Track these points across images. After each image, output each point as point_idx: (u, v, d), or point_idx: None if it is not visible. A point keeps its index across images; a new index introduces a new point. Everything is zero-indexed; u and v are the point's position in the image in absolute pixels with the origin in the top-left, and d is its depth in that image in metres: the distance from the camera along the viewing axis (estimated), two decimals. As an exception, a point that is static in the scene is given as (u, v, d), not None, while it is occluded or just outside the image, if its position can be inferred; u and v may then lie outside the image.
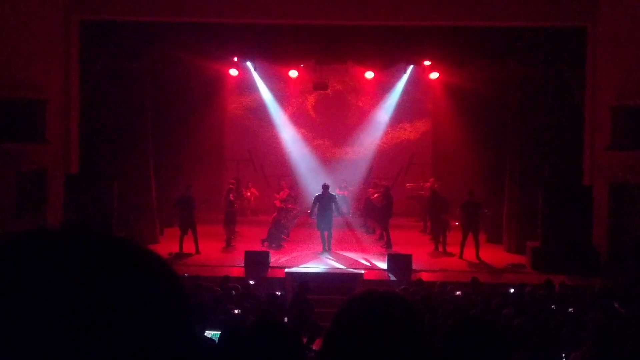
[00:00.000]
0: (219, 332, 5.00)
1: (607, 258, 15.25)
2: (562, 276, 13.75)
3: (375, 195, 18.89)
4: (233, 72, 20.27)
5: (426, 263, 15.79)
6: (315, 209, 16.84)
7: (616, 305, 9.94)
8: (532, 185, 16.43)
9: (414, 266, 15.03)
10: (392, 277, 14.51)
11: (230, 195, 17.54)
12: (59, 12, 15.83)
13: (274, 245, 17.01)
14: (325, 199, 16.64)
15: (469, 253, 16.29)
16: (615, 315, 9.07)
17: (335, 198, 17.04)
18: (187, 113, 20.64)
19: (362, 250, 17.13)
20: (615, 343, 5.44)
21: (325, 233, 16.64)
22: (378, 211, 18.20)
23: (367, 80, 20.56)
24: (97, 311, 0.82)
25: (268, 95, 22.66)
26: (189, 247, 16.34)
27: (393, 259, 15.16)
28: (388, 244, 17.21)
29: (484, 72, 18.30)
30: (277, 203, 19.70)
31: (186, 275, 12.55)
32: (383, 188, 18.19)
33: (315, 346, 10.13)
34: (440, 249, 17.13)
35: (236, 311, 10.33)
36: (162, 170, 18.59)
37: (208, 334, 7.66)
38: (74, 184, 15.97)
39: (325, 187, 16.87)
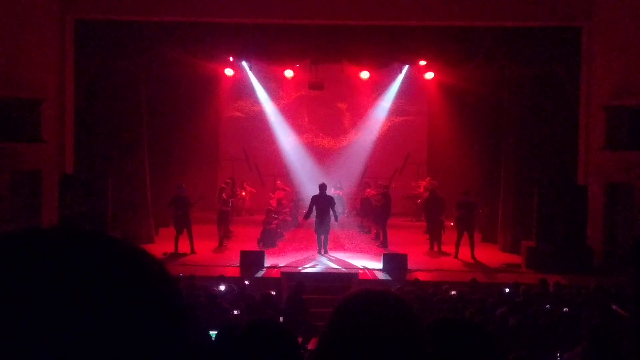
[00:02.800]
0: (214, 332, 4.99)
1: (602, 258, 15.29)
2: (556, 276, 13.78)
3: (373, 193, 18.88)
4: (228, 71, 20.25)
5: (422, 263, 15.80)
6: (312, 211, 16.56)
7: (614, 307, 9.95)
8: (527, 185, 16.45)
9: (409, 266, 15.04)
10: (388, 277, 14.51)
11: (223, 194, 17.52)
12: (54, 11, 15.80)
13: (268, 245, 16.96)
14: (322, 200, 16.41)
15: (464, 252, 16.31)
16: (611, 315, 9.10)
17: (333, 199, 16.73)
18: (182, 112, 20.63)
19: (358, 250, 17.12)
20: (611, 342, 5.45)
21: (322, 237, 16.46)
22: (375, 210, 18.19)
23: (362, 80, 20.55)
24: (90, 311, 0.82)
25: (263, 95, 22.64)
26: (184, 246, 16.32)
27: (388, 259, 15.16)
28: (384, 244, 17.21)
29: (479, 71, 18.32)
30: (274, 202, 19.69)
31: (181, 275, 12.53)
32: (382, 187, 18.19)
33: (310, 346, 10.12)
34: (436, 248, 17.15)
35: (235, 312, 10.33)
36: (157, 170, 18.57)
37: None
38: (69, 183, 15.94)
39: (322, 186, 16.53)
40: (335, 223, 16.82)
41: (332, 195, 17.15)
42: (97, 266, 0.86)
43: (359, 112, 23.37)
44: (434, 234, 17.27)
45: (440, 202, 17.27)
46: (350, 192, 22.31)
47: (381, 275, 14.73)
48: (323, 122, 23.46)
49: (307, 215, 16.59)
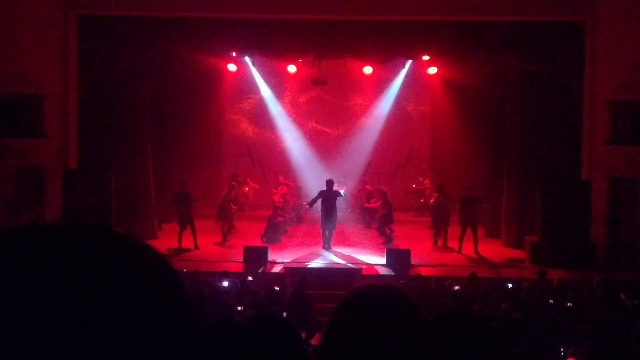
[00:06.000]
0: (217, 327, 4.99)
1: (605, 253, 15.27)
2: (560, 271, 13.77)
3: (376, 206, 18.74)
4: (231, 67, 20.23)
5: (425, 258, 15.79)
6: (316, 203, 16.61)
7: (622, 296, 9.94)
8: (531, 180, 16.42)
9: (412, 261, 15.04)
10: (391, 272, 14.51)
11: (233, 192, 17.65)
12: (58, 7, 15.80)
13: (271, 241, 16.98)
14: (329, 195, 16.42)
15: (468, 248, 16.30)
16: (616, 309, 9.09)
17: (339, 194, 16.72)
18: (185, 108, 20.61)
19: (361, 245, 17.12)
20: (616, 337, 5.44)
21: (327, 232, 16.48)
22: (379, 219, 18.12)
23: (365, 75, 20.53)
24: (94, 307, 0.82)
25: (266, 91, 22.62)
26: (187, 242, 16.34)
27: (392, 254, 15.16)
28: (388, 242, 17.16)
29: (482, 66, 18.28)
30: (276, 198, 19.70)
31: (184, 270, 12.55)
32: (381, 195, 18.07)
33: (314, 341, 10.13)
34: (440, 243, 17.16)
35: (239, 308, 10.34)
36: (161, 165, 18.58)
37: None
38: (72, 179, 15.95)
39: (330, 182, 16.55)
40: (340, 219, 16.86)
41: (338, 191, 17.17)
42: (100, 262, 0.86)
43: (362, 108, 23.34)
44: (438, 228, 17.27)
45: (447, 197, 17.25)
46: (353, 187, 22.29)
47: (384, 271, 14.74)
48: (326, 118, 23.43)
49: (311, 204, 16.68)
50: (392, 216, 17.47)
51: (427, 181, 21.43)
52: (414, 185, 22.15)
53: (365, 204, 19.89)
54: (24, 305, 0.80)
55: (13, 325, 0.79)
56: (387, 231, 17.45)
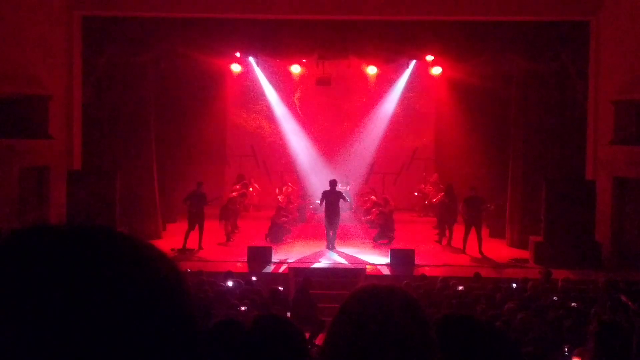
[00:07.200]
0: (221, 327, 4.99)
1: (610, 252, 15.24)
2: (564, 270, 13.74)
3: (373, 218, 18.76)
4: (235, 67, 20.24)
5: (429, 258, 15.78)
6: (323, 205, 16.59)
7: (623, 298, 9.92)
8: (535, 180, 16.40)
9: (416, 261, 15.03)
10: (395, 272, 14.49)
11: (242, 197, 17.81)
12: (62, 8, 15.84)
13: (275, 241, 16.98)
14: (332, 195, 16.40)
15: (472, 248, 16.28)
16: (621, 309, 9.06)
17: (342, 195, 16.75)
18: (189, 108, 20.64)
19: (365, 245, 17.12)
20: (622, 337, 5.43)
21: (331, 232, 16.50)
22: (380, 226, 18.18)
23: (369, 75, 20.52)
24: (98, 307, 0.82)
25: (270, 91, 22.62)
26: (191, 243, 16.33)
27: (396, 254, 15.15)
28: (389, 242, 17.16)
29: (486, 66, 18.25)
30: (284, 199, 19.69)
31: (189, 270, 12.55)
32: (378, 205, 18.13)
33: (318, 341, 10.13)
34: (444, 242, 17.16)
35: (243, 308, 10.34)
36: (165, 166, 18.60)
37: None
38: (77, 179, 15.99)
39: (333, 182, 16.55)
40: (344, 219, 16.88)
41: (341, 191, 17.14)
42: (105, 262, 0.86)
43: (366, 108, 23.32)
44: (443, 228, 17.28)
45: (454, 198, 17.26)
46: (357, 187, 22.29)
47: (388, 271, 14.72)
48: (330, 118, 23.43)
49: (321, 203, 16.74)
50: (392, 226, 17.46)
51: (428, 188, 21.41)
52: (416, 194, 22.13)
53: (371, 198, 19.92)
54: (30, 306, 0.80)
55: (18, 325, 0.79)
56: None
